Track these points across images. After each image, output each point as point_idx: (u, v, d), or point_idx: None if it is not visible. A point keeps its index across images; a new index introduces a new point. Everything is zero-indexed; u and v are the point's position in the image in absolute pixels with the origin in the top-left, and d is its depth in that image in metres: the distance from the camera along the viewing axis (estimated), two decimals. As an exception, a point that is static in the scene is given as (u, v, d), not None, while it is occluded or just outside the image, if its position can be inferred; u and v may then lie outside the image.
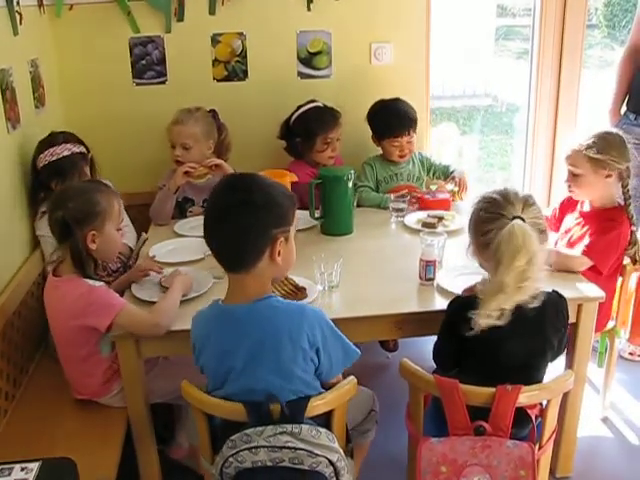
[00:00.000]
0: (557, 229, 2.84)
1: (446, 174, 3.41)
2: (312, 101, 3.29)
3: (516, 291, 1.89)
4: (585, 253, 2.51)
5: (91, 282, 2.18)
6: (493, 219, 1.95)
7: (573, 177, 2.64)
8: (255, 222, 1.77)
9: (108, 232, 2.23)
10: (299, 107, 3.28)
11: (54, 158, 2.70)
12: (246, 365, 1.77)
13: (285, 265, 1.86)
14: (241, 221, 1.75)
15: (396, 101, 3.30)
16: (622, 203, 2.63)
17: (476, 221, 2.03)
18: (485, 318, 1.89)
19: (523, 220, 1.91)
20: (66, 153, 2.73)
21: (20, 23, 2.73)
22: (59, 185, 2.68)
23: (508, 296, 1.88)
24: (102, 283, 2.23)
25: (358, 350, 1.91)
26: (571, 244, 2.68)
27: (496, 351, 1.95)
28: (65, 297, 2.18)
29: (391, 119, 3.25)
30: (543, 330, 1.99)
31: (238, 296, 1.82)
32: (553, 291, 2.02)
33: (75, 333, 2.20)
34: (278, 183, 1.88)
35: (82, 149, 2.81)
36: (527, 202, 1.97)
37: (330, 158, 3.29)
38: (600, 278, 2.50)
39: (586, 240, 2.58)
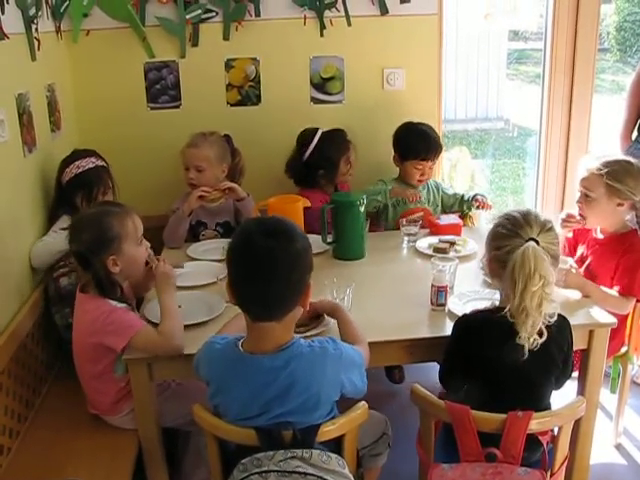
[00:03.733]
0: (573, 253, 2.84)
1: (461, 202, 3.39)
2: (312, 131, 3.29)
3: (539, 314, 1.91)
4: (629, 293, 2.53)
5: (113, 303, 2.21)
6: (509, 236, 1.98)
7: (585, 199, 2.64)
8: (299, 271, 1.76)
9: (128, 252, 2.24)
10: (303, 142, 3.28)
11: (79, 170, 2.76)
12: (268, 409, 1.76)
13: (306, 305, 1.86)
14: (287, 271, 1.73)
15: (425, 125, 3.33)
16: (633, 227, 2.64)
17: (493, 235, 2.07)
18: (528, 341, 1.92)
19: (537, 243, 1.93)
20: (91, 165, 2.79)
21: (38, 49, 2.78)
22: (84, 200, 2.74)
23: (534, 319, 1.91)
24: (124, 304, 2.25)
25: (361, 353, 1.93)
26: (589, 272, 2.68)
27: (501, 368, 1.96)
28: (86, 314, 2.22)
29: (420, 142, 3.27)
30: (548, 348, 1.99)
31: (263, 344, 1.78)
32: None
33: (91, 350, 2.23)
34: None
35: (104, 164, 2.88)
36: (545, 226, 1.99)
37: (350, 175, 3.33)
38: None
39: (617, 277, 2.58)
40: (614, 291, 2.55)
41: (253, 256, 1.72)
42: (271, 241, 1.71)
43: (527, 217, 2.00)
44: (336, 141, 3.29)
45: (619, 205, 2.58)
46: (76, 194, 2.76)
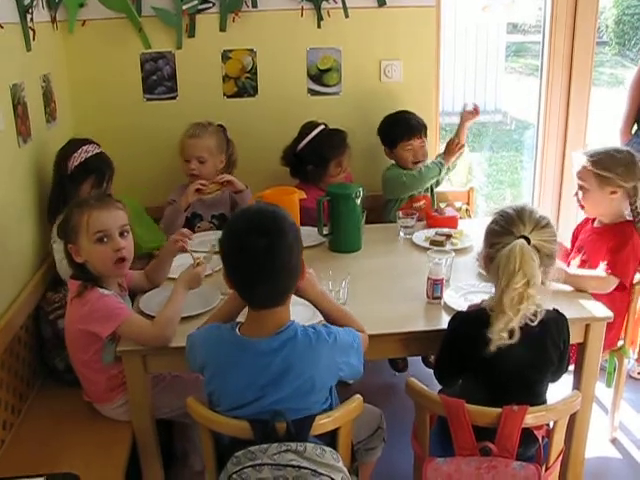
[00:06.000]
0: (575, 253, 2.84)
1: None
2: (314, 124, 3.28)
3: (516, 312, 1.89)
4: (610, 270, 2.53)
5: (101, 290, 2.21)
6: (502, 233, 1.97)
7: (581, 191, 2.67)
8: (296, 256, 1.79)
9: (84, 246, 2.20)
10: (302, 133, 3.26)
11: (89, 155, 2.73)
12: (264, 394, 1.76)
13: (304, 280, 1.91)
14: (287, 261, 1.76)
15: (404, 111, 3.35)
16: (629, 219, 2.65)
17: (488, 232, 2.06)
18: (497, 337, 1.90)
19: (529, 241, 1.92)
20: (97, 150, 2.78)
21: (33, 39, 2.76)
22: (95, 185, 2.70)
23: (509, 317, 1.89)
24: (112, 292, 2.25)
25: (356, 332, 1.93)
26: (583, 262, 2.69)
27: (497, 365, 1.95)
28: (74, 300, 2.22)
29: (401, 124, 3.30)
30: (544, 345, 1.99)
31: (262, 328, 1.80)
32: (553, 309, 2.02)
33: (79, 337, 2.23)
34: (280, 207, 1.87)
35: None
36: (539, 224, 1.97)
37: (341, 179, 3.29)
38: (613, 296, 2.52)
39: (603, 259, 2.58)
40: (590, 271, 2.57)
41: (252, 260, 1.74)
42: (265, 240, 1.72)
43: (521, 214, 1.98)
44: (332, 141, 3.25)
45: (612, 193, 2.59)
46: (84, 180, 2.70)
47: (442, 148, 3.49)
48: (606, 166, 2.56)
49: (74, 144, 2.78)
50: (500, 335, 1.89)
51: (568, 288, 2.44)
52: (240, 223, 1.83)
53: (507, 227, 1.97)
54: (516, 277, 1.87)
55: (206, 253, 2.40)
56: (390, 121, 3.34)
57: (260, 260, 1.73)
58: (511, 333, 1.90)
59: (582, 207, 2.73)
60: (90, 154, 2.74)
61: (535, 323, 1.93)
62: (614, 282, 2.53)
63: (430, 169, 3.27)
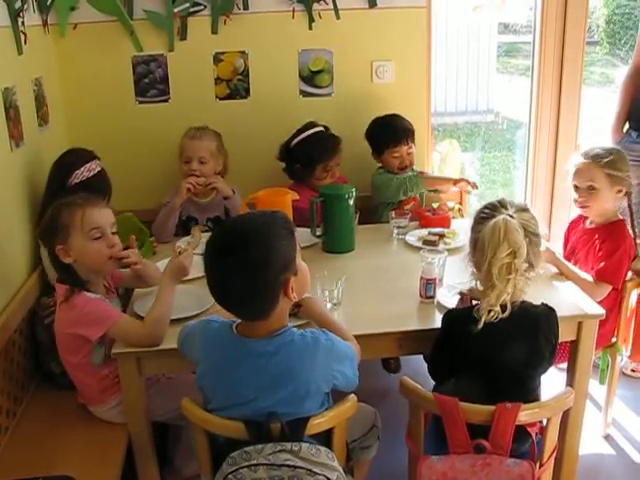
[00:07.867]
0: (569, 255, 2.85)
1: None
2: (313, 125, 3.28)
3: (505, 284, 1.92)
4: (601, 279, 2.56)
5: (88, 294, 2.21)
6: (487, 217, 2.01)
7: (589, 191, 2.66)
8: (264, 280, 1.74)
9: (77, 245, 2.19)
10: (300, 130, 3.27)
11: (91, 174, 2.71)
12: (257, 396, 1.76)
13: (301, 292, 1.89)
14: (250, 284, 1.73)
15: (392, 116, 3.35)
16: (621, 217, 2.68)
17: (473, 222, 2.10)
18: (486, 312, 1.93)
19: (512, 217, 1.96)
20: (99, 169, 2.76)
21: (24, 43, 2.76)
22: None
23: (499, 290, 1.92)
24: (99, 295, 2.25)
25: (350, 345, 1.94)
26: (577, 261, 2.71)
27: (491, 362, 1.97)
28: (62, 305, 2.22)
29: (389, 130, 3.30)
30: (536, 341, 2.00)
31: (256, 331, 1.80)
32: (542, 304, 2.04)
33: (69, 340, 2.24)
34: (271, 217, 1.83)
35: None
36: (520, 207, 2.04)
37: (328, 183, 3.27)
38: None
39: (595, 262, 2.61)
40: (588, 275, 2.58)
41: (217, 279, 1.76)
42: (230, 258, 1.71)
43: (502, 201, 2.05)
44: (323, 144, 3.25)
45: (618, 192, 2.64)
46: None
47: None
48: (617, 166, 2.60)
49: (78, 159, 2.74)
50: (494, 310, 1.93)
51: (561, 285, 2.46)
52: (210, 240, 1.81)
53: (491, 212, 2.02)
54: (501, 247, 1.91)
55: (190, 240, 2.39)
56: (377, 126, 3.34)
57: (225, 281, 1.74)
58: (503, 308, 1.93)
59: (583, 207, 2.72)
60: (92, 173, 2.72)
61: (521, 298, 1.98)
62: (606, 290, 2.57)
63: (394, 186, 3.27)
